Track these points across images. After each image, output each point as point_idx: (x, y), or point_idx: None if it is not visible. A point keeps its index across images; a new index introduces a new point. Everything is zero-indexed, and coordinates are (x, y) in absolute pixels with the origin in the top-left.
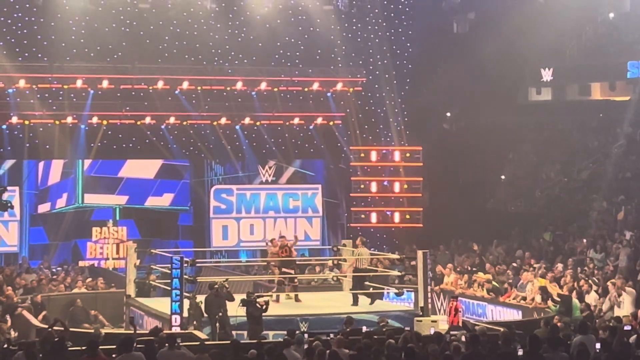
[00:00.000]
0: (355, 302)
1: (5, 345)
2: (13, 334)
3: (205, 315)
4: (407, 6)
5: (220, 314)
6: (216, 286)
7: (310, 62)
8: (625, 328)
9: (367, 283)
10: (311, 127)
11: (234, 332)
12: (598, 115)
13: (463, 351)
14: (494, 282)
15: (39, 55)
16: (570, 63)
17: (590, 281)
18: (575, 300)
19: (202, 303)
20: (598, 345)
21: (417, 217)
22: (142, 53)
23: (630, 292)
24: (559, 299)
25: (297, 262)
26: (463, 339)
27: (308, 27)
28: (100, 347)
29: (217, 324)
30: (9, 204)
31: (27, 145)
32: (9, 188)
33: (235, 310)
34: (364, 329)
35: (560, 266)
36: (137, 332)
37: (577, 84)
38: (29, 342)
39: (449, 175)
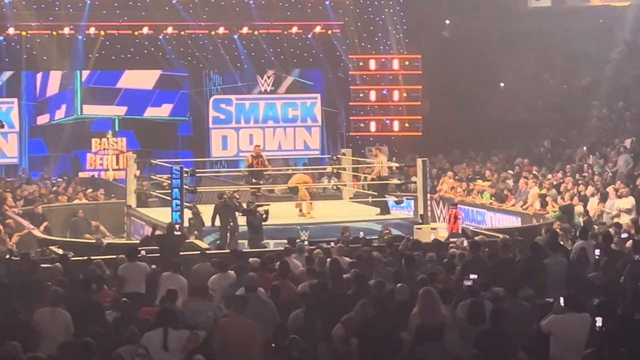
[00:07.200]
0: (387, 211)
1: (7, 256)
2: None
3: (207, 224)
4: None
5: (232, 223)
6: (225, 196)
7: None
8: (622, 235)
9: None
10: (309, 36)
11: None
12: (598, 21)
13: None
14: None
15: None
16: None
17: (591, 186)
18: (576, 207)
19: (202, 213)
20: (597, 251)
21: (417, 125)
22: None
23: (629, 198)
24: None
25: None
26: (465, 244)
27: None
28: (102, 256)
29: (228, 234)
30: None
31: (25, 56)
32: (7, 100)
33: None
34: (361, 234)
35: (559, 173)
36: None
37: None
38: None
39: (449, 84)
